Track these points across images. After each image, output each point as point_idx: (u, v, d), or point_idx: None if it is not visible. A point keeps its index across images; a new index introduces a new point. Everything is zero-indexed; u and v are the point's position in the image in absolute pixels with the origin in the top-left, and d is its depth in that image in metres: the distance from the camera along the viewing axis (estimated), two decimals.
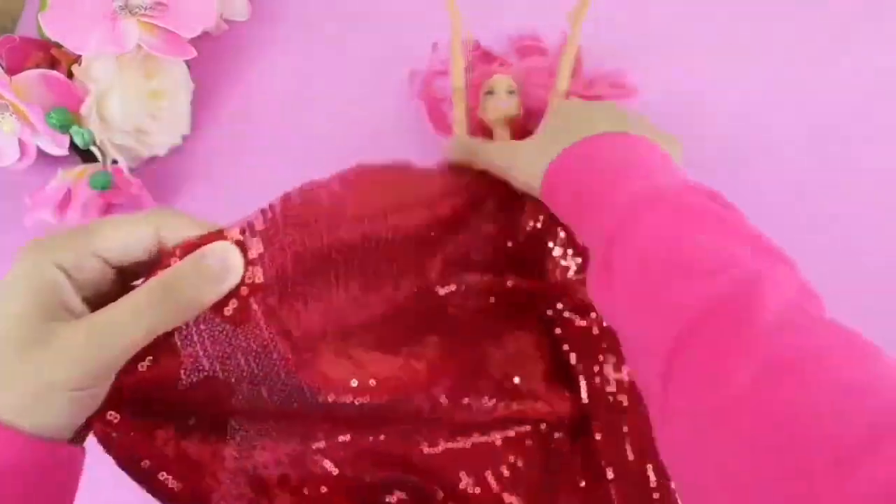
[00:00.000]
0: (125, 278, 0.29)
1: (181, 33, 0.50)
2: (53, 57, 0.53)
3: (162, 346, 0.28)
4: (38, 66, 0.51)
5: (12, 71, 0.49)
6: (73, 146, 0.50)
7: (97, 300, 0.28)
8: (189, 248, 0.28)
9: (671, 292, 0.26)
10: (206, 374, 0.30)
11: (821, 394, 0.21)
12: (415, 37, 0.57)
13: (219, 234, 0.29)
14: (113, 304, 0.27)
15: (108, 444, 0.29)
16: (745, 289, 0.24)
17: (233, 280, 0.29)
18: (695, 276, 0.26)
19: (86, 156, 0.51)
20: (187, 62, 0.54)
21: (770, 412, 0.21)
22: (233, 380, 0.31)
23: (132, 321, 0.26)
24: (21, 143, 0.50)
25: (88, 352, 0.26)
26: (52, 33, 0.48)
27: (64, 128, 0.49)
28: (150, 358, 0.28)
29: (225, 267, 0.29)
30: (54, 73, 0.49)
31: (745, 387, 0.22)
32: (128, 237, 0.28)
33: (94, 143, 0.49)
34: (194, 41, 0.51)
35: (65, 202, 0.49)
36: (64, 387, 0.26)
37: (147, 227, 0.28)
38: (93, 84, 0.49)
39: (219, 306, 0.29)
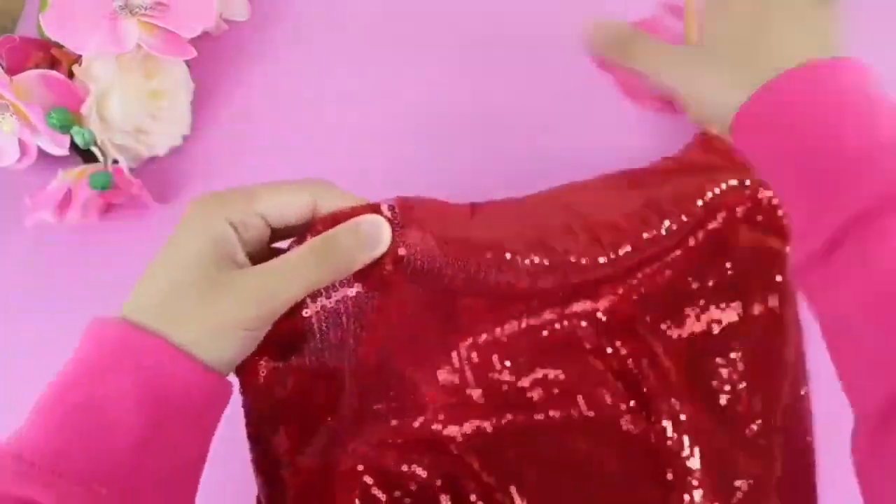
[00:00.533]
0: (275, 240, 0.32)
1: (181, 33, 0.50)
2: (54, 57, 0.53)
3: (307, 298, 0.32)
4: (38, 67, 0.51)
5: (12, 71, 0.49)
6: (73, 146, 0.50)
7: (254, 257, 0.31)
8: (341, 217, 0.31)
9: None
10: (341, 328, 0.33)
11: None
12: (415, 36, 0.57)
13: (370, 207, 0.32)
14: (279, 258, 0.30)
15: (246, 385, 0.32)
16: None
17: (382, 249, 0.31)
18: None
19: (86, 156, 0.51)
20: (187, 62, 0.54)
21: None
22: (353, 341, 0.34)
23: (295, 274, 0.29)
24: (21, 143, 0.50)
25: (260, 297, 0.29)
26: (52, 33, 0.48)
27: (64, 128, 0.48)
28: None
29: (377, 235, 0.31)
30: (54, 73, 0.49)
31: None
32: (289, 201, 0.31)
33: (95, 143, 0.49)
34: (194, 41, 0.51)
35: (65, 202, 0.49)
36: (238, 326, 0.29)
37: (306, 194, 0.31)
38: (93, 84, 0.49)
39: (362, 271, 0.32)
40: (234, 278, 0.29)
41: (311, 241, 0.30)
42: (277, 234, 0.32)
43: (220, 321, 0.28)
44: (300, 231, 0.32)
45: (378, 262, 0.32)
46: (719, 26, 0.33)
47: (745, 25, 0.32)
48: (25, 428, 0.27)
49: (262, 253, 0.31)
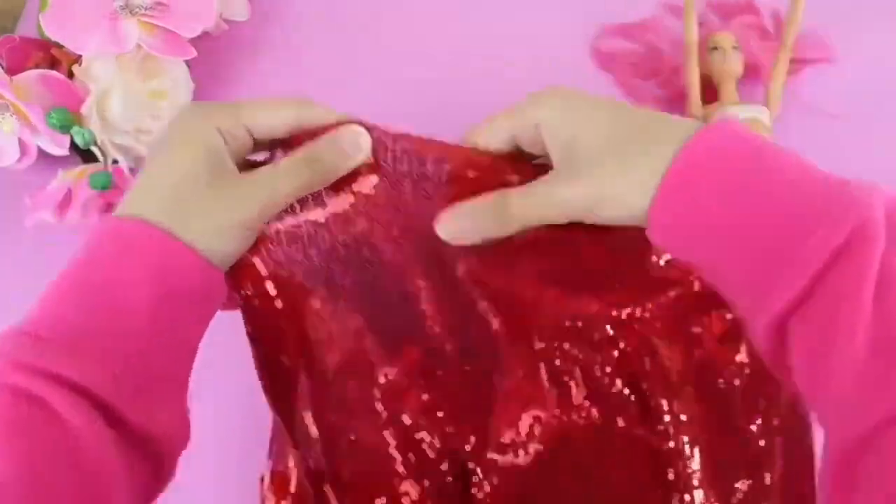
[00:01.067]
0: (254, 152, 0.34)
1: (181, 33, 0.50)
2: (54, 57, 0.53)
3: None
4: (38, 67, 0.51)
5: (13, 71, 0.49)
6: (73, 146, 0.50)
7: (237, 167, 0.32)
8: (322, 130, 0.33)
9: None
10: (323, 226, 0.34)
11: None
12: (416, 37, 0.57)
13: (350, 121, 0.34)
14: (270, 164, 0.32)
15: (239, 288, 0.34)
16: None
17: (362, 157, 0.33)
18: None
19: (86, 156, 0.51)
20: (187, 62, 0.54)
21: None
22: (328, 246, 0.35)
23: (287, 180, 0.32)
24: (21, 144, 0.50)
25: (260, 197, 0.31)
26: (52, 33, 0.48)
27: (64, 128, 0.49)
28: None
29: (356, 145, 0.33)
30: (54, 73, 0.49)
31: None
32: (276, 116, 0.33)
33: (95, 143, 0.49)
34: (194, 41, 0.51)
35: (65, 202, 0.49)
36: (241, 225, 0.31)
37: (289, 110, 0.33)
38: (93, 84, 0.49)
39: (342, 182, 0.33)
40: (233, 181, 0.31)
41: (298, 151, 0.32)
42: (258, 146, 0.34)
43: (223, 220, 0.30)
44: (281, 144, 0.33)
45: (359, 171, 0.33)
46: (566, 127, 0.31)
47: (613, 133, 0.30)
48: (38, 309, 0.29)
49: (241, 164, 0.33)
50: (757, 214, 0.27)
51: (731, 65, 0.50)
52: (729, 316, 0.38)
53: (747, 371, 0.38)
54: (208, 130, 0.31)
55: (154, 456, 0.29)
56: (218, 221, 0.30)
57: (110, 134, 0.50)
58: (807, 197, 0.26)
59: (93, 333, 0.28)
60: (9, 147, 0.50)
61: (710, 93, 0.50)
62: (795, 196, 0.26)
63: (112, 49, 0.48)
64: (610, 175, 0.29)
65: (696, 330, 0.38)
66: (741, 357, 0.38)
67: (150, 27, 0.49)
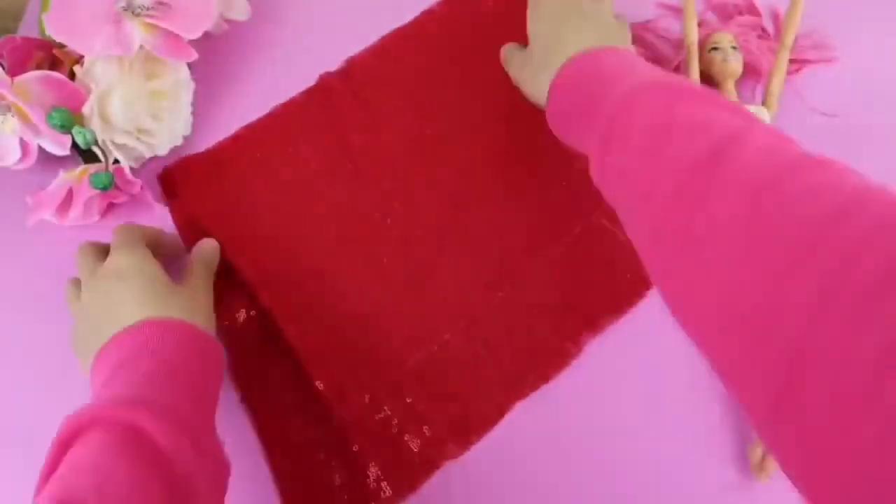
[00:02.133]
0: None
1: (183, 35, 0.50)
2: (55, 57, 0.53)
3: None
4: (39, 67, 0.51)
5: (14, 72, 0.49)
6: (74, 146, 0.50)
7: None
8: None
9: (672, 147, 0.32)
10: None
11: (795, 196, 0.26)
12: None
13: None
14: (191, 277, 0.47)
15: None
16: (735, 133, 0.31)
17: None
18: (692, 131, 0.32)
19: (87, 156, 0.51)
20: (188, 62, 0.54)
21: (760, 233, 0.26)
22: None
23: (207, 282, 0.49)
24: (22, 144, 0.50)
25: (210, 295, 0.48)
26: (55, 34, 0.48)
27: (65, 128, 0.49)
28: None
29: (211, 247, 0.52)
30: (55, 74, 0.49)
31: (738, 212, 0.28)
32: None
33: (96, 143, 0.49)
34: (194, 41, 0.51)
35: (66, 202, 0.49)
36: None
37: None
38: (94, 84, 0.49)
39: None
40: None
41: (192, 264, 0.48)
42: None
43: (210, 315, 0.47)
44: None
45: None
46: (532, 29, 0.47)
47: (548, 29, 0.46)
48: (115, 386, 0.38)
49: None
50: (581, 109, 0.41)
51: (730, 65, 0.50)
52: None
53: None
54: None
55: (219, 464, 0.38)
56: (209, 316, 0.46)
57: (111, 134, 0.50)
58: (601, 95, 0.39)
59: (168, 389, 0.38)
60: (10, 147, 0.50)
61: None
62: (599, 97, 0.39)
63: (116, 51, 0.48)
64: (536, 78, 0.46)
65: None
66: None
67: (152, 28, 0.49)
